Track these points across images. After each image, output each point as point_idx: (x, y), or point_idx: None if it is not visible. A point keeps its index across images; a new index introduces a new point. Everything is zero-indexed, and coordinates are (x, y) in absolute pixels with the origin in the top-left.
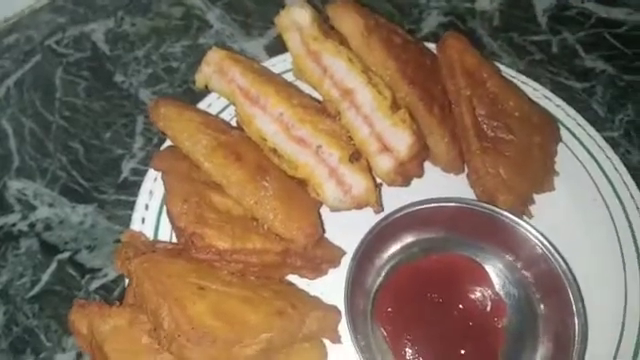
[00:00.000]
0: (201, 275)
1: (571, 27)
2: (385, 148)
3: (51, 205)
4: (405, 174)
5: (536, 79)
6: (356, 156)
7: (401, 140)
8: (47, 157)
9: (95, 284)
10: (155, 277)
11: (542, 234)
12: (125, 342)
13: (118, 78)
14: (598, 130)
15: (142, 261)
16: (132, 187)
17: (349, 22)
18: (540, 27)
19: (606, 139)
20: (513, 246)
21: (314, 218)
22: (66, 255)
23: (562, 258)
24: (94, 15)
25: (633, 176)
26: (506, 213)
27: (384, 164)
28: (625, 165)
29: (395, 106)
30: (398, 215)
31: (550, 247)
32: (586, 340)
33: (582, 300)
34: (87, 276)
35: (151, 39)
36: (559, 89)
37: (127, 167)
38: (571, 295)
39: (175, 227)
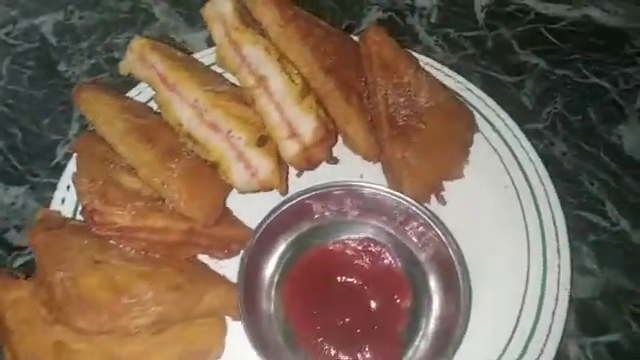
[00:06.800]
0: (102, 250)
1: (509, 23)
2: (293, 134)
3: None
4: (311, 159)
5: (467, 73)
6: (263, 140)
7: (306, 125)
8: None
9: (19, 261)
10: (54, 251)
11: (434, 215)
12: (25, 312)
13: (61, 67)
14: (523, 122)
15: (45, 236)
16: (64, 171)
17: (265, 13)
18: (477, 23)
19: (531, 131)
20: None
21: (216, 198)
22: None
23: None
24: (45, 8)
25: (555, 167)
26: (391, 192)
27: (290, 148)
28: (547, 156)
29: (305, 93)
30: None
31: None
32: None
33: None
34: (14, 253)
35: (97, 31)
36: (489, 83)
37: (61, 152)
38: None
39: (81, 205)
